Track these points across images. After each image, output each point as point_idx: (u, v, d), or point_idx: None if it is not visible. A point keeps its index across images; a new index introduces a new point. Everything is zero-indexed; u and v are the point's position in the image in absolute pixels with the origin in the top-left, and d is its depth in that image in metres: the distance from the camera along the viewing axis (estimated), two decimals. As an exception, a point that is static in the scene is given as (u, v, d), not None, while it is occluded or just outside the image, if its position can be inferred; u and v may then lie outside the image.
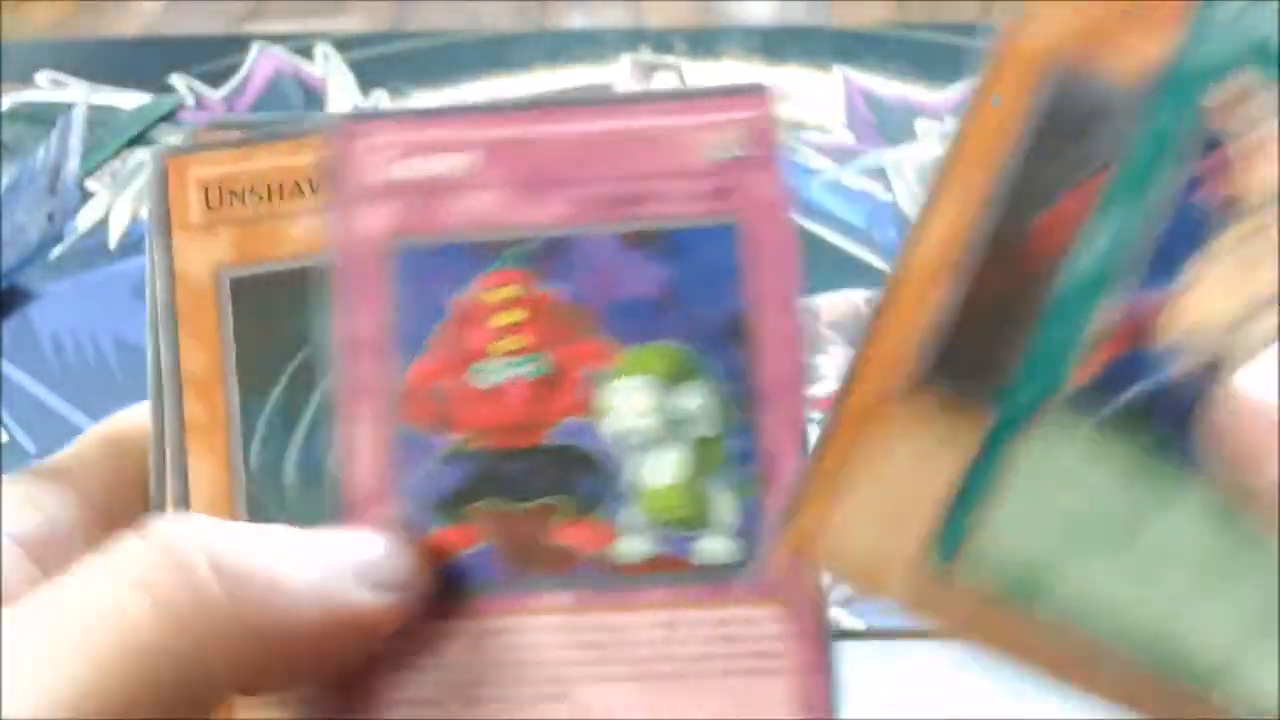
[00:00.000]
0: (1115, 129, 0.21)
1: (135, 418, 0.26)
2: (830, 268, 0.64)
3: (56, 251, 0.68)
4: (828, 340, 0.58)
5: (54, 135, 0.68)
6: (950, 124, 0.22)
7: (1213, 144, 0.21)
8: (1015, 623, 0.21)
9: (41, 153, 0.68)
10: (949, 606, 0.21)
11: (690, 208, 0.24)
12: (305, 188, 0.25)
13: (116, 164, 0.74)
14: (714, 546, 0.23)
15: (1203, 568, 0.20)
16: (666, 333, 0.24)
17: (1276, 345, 0.20)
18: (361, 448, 0.24)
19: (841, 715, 0.23)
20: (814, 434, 0.22)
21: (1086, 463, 0.21)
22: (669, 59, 0.81)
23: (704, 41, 0.83)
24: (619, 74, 0.80)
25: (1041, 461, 0.21)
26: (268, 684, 0.22)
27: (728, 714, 0.23)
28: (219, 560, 0.21)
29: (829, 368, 0.49)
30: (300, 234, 0.25)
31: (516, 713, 0.23)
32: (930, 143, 0.74)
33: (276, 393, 0.25)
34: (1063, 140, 0.21)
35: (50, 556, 0.24)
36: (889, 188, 0.71)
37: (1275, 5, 0.21)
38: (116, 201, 0.72)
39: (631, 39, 0.83)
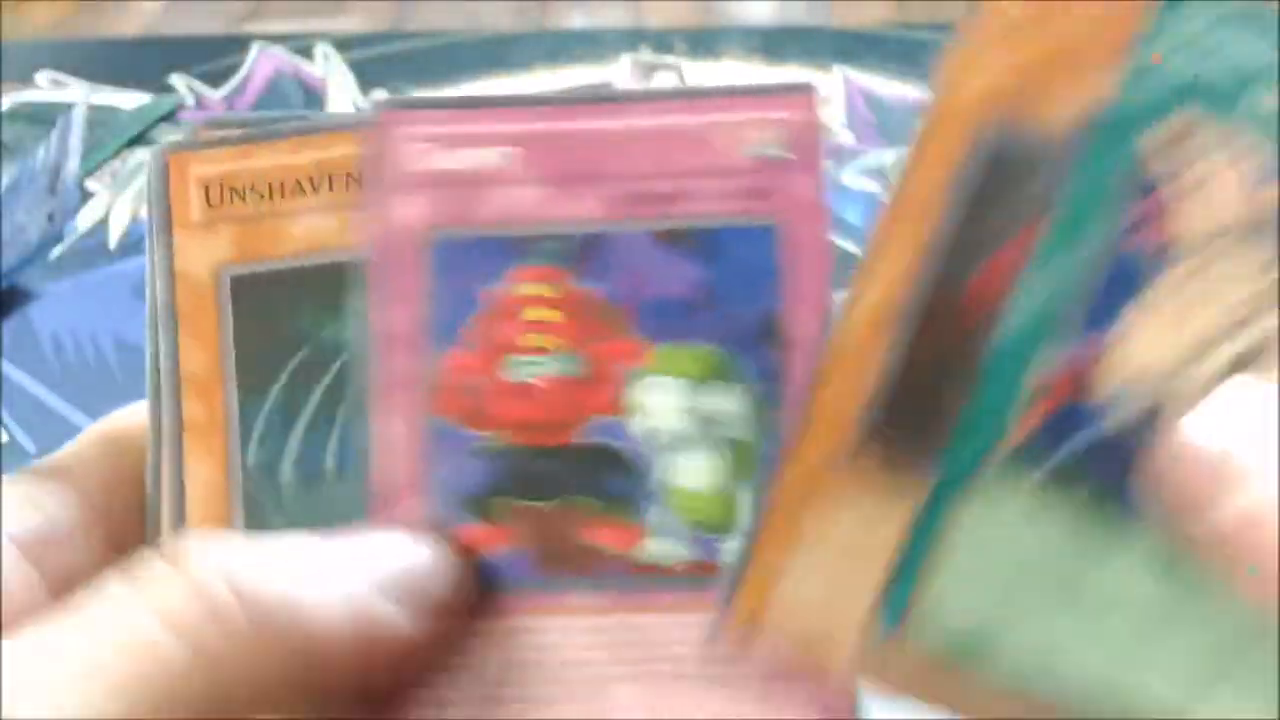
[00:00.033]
0: (1049, 178, 0.21)
1: (134, 416, 0.26)
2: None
3: (56, 251, 0.68)
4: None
5: (54, 135, 0.68)
6: (893, 177, 0.22)
7: (1148, 188, 0.20)
8: (967, 683, 0.21)
9: (41, 153, 0.68)
10: (899, 670, 0.21)
11: (727, 207, 0.24)
12: (307, 186, 0.25)
13: (116, 164, 0.74)
14: None
15: (1149, 618, 0.20)
16: (699, 333, 0.24)
17: (1215, 391, 0.20)
18: (394, 439, 0.24)
19: (864, 716, 0.23)
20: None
21: (1029, 519, 0.20)
22: (669, 59, 0.81)
23: (704, 41, 0.83)
24: (619, 74, 0.80)
25: (984, 520, 0.21)
26: (294, 708, 0.21)
27: (756, 715, 0.23)
28: (242, 586, 0.20)
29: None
30: (301, 232, 0.25)
31: (543, 713, 0.23)
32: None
33: (275, 392, 0.25)
34: (998, 193, 0.21)
35: (49, 557, 0.24)
36: (889, 188, 0.71)
37: (1207, 45, 0.20)
38: (116, 201, 0.72)
39: (631, 39, 0.83)
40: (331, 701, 0.22)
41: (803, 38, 0.83)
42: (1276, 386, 0.20)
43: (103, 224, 0.70)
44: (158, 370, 0.25)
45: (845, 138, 0.75)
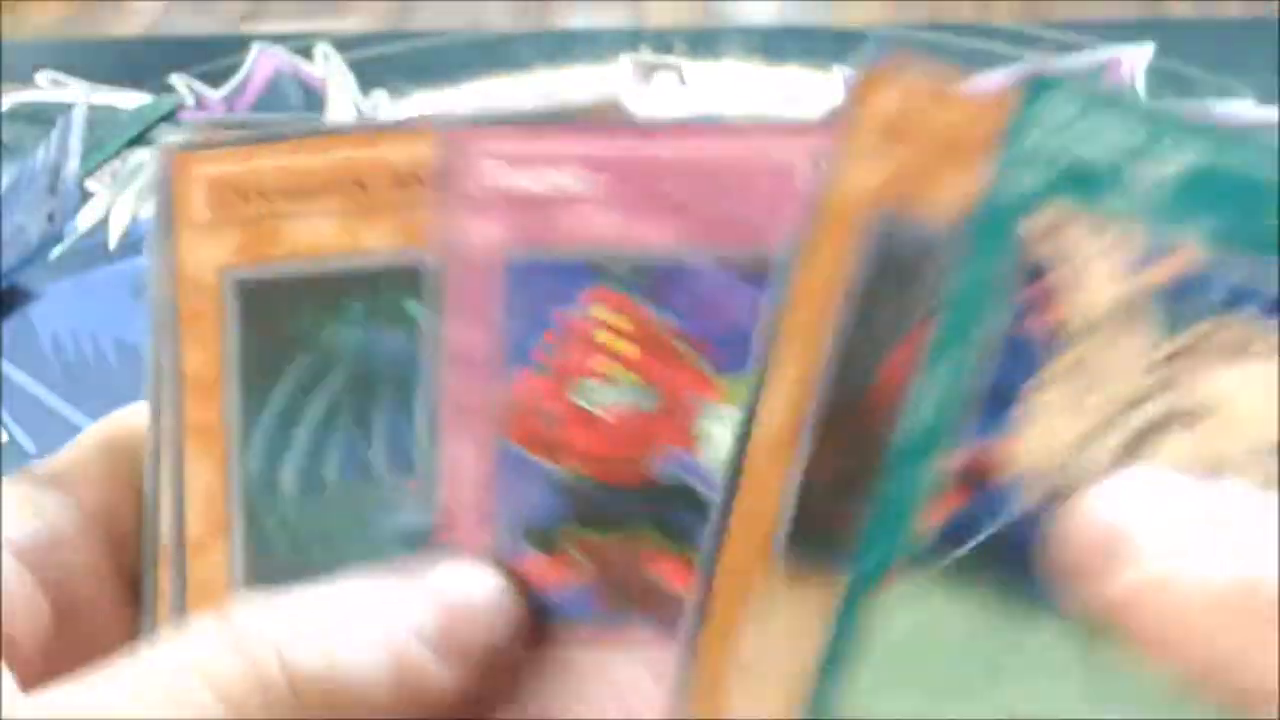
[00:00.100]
0: (937, 272, 0.20)
1: (133, 418, 0.26)
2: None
3: (56, 251, 0.67)
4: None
5: (54, 135, 0.68)
6: (777, 286, 0.22)
7: (1036, 273, 0.20)
8: None
9: (41, 153, 0.68)
10: None
11: None
12: (312, 189, 0.25)
13: (116, 164, 0.74)
14: None
15: (1070, 699, 0.20)
16: None
17: (1109, 472, 0.20)
18: (463, 462, 0.24)
19: None
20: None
21: (940, 615, 0.20)
22: (669, 59, 0.81)
23: (704, 41, 0.83)
24: (619, 74, 0.80)
25: (896, 620, 0.20)
26: None
27: None
28: (288, 656, 0.21)
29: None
30: (306, 236, 0.25)
31: None
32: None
33: (278, 397, 0.25)
34: (890, 290, 0.21)
35: (48, 562, 0.24)
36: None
37: (1079, 130, 0.20)
38: (116, 201, 0.71)
39: (631, 39, 0.83)
40: None
41: (803, 38, 0.82)
42: (1164, 468, 0.20)
43: (103, 224, 0.70)
44: (159, 372, 0.25)
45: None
